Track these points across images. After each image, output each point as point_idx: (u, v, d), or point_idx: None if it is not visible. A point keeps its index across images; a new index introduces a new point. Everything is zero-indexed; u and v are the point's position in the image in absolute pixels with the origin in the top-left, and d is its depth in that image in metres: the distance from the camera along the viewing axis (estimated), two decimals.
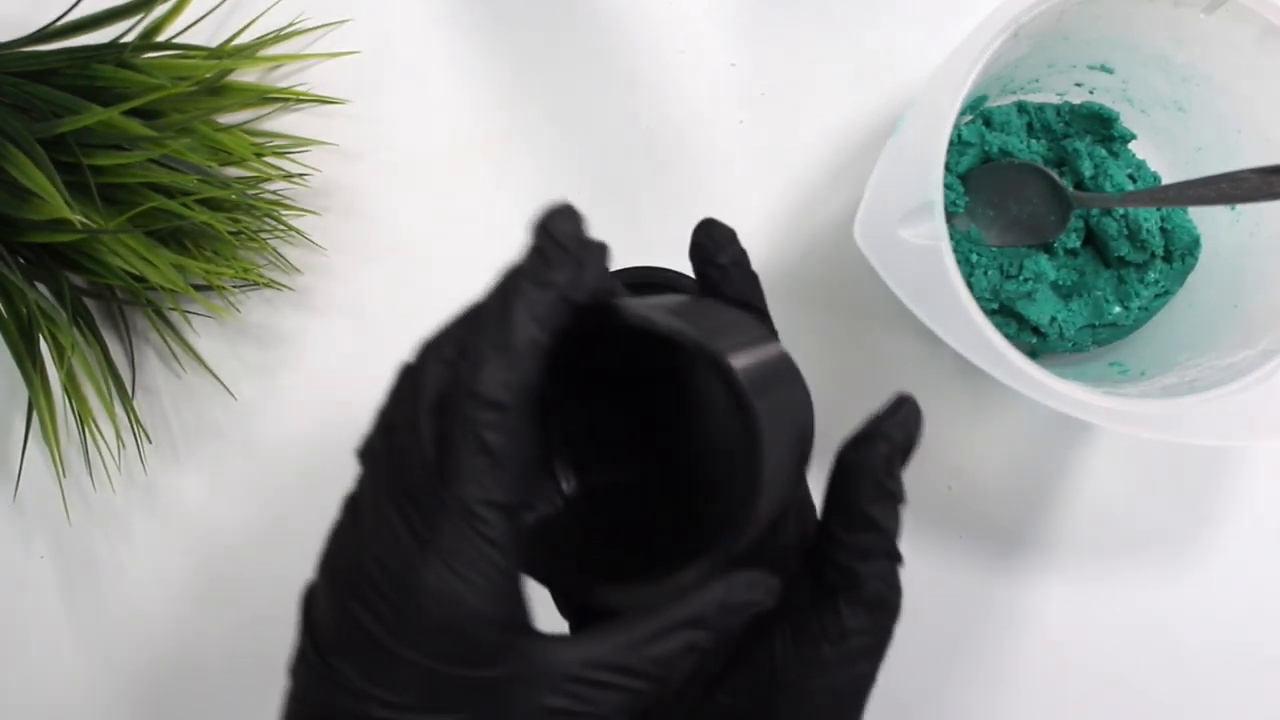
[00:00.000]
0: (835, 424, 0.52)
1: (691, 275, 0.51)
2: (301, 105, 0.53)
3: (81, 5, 0.49)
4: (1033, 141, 0.51)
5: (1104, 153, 0.51)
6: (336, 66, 0.53)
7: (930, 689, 0.51)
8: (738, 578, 0.26)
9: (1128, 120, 0.51)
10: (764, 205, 0.53)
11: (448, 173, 0.53)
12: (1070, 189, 0.49)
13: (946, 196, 0.49)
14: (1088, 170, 0.50)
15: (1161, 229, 0.49)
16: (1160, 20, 0.45)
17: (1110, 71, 0.50)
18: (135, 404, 0.51)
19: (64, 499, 0.51)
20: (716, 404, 0.31)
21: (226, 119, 0.52)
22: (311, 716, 0.25)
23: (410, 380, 0.25)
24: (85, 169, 0.44)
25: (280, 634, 0.51)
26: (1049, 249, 0.50)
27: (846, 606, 0.28)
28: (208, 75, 0.48)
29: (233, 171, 0.51)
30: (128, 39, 0.49)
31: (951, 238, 0.45)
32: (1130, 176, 0.51)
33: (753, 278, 0.33)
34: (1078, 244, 0.50)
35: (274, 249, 0.51)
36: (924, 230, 0.40)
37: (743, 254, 0.33)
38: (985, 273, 0.50)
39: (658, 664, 0.25)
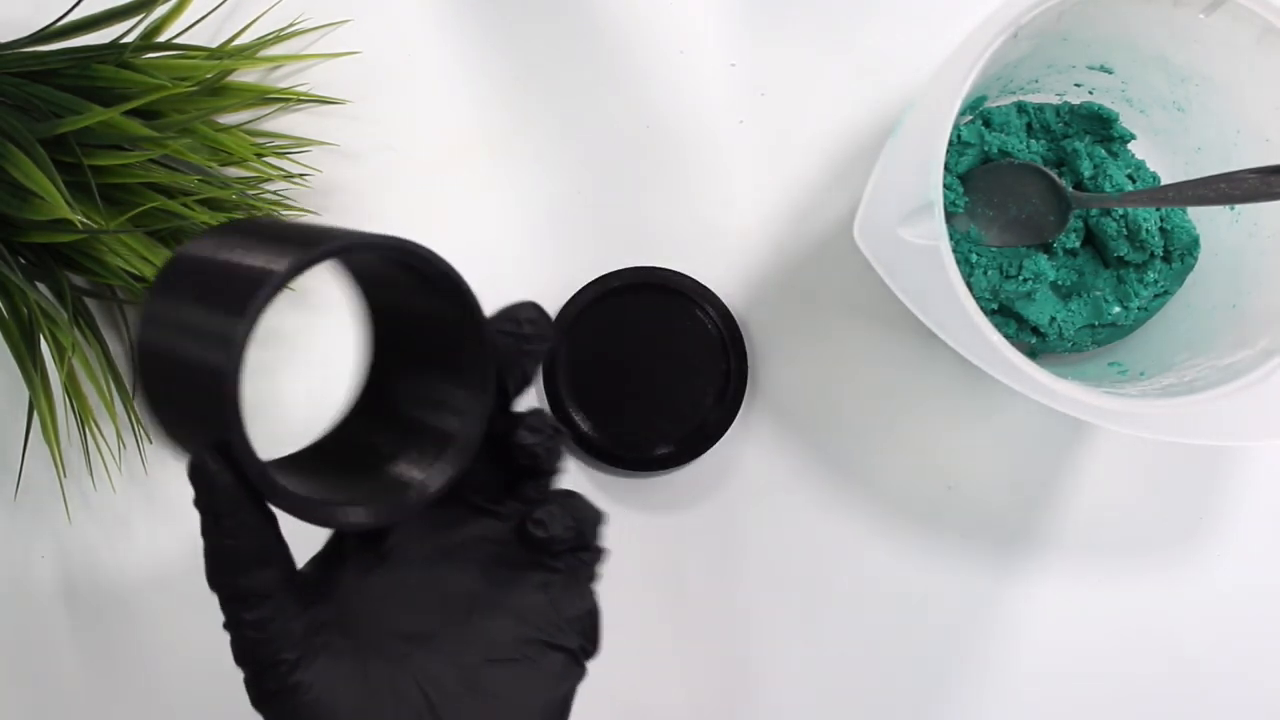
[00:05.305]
0: (835, 424, 0.52)
1: (692, 277, 0.51)
2: (301, 105, 0.53)
3: (82, 6, 0.49)
4: (1032, 142, 0.51)
5: (1103, 153, 0.51)
6: (336, 66, 0.53)
7: (930, 689, 0.51)
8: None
9: (1127, 120, 0.51)
10: (764, 205, 0.53)
11: (448, 173, 0.53)
12: (1070, 189, 0.49)
13: (946, 196, 0.49)
14: (1087, 170, 0.50)
15: (1161, 229, 0.49)
16: (1160, 20, 0.45)
17: (1110, 72, 0.50)
18: (135, 403, 0.51)
19: (64, 498, 0.51)
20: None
21: (226, 119, 0.52)
22: None
23: None
24: (86, 169, 0.44)
25: None
26: (1048, 249, 0.50)
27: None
28: (208, 75, 0.48)
29: (233, 171, 0.51)
30: (128, 39, 0.49)
31: (951, 238, 0.45)
32: (1130, 176, 0.51)
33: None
34: (1077, 244, 0.50)
35: None
36: (924, 230, 0.40)
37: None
38: (985, 273, 0.50)
39: None
